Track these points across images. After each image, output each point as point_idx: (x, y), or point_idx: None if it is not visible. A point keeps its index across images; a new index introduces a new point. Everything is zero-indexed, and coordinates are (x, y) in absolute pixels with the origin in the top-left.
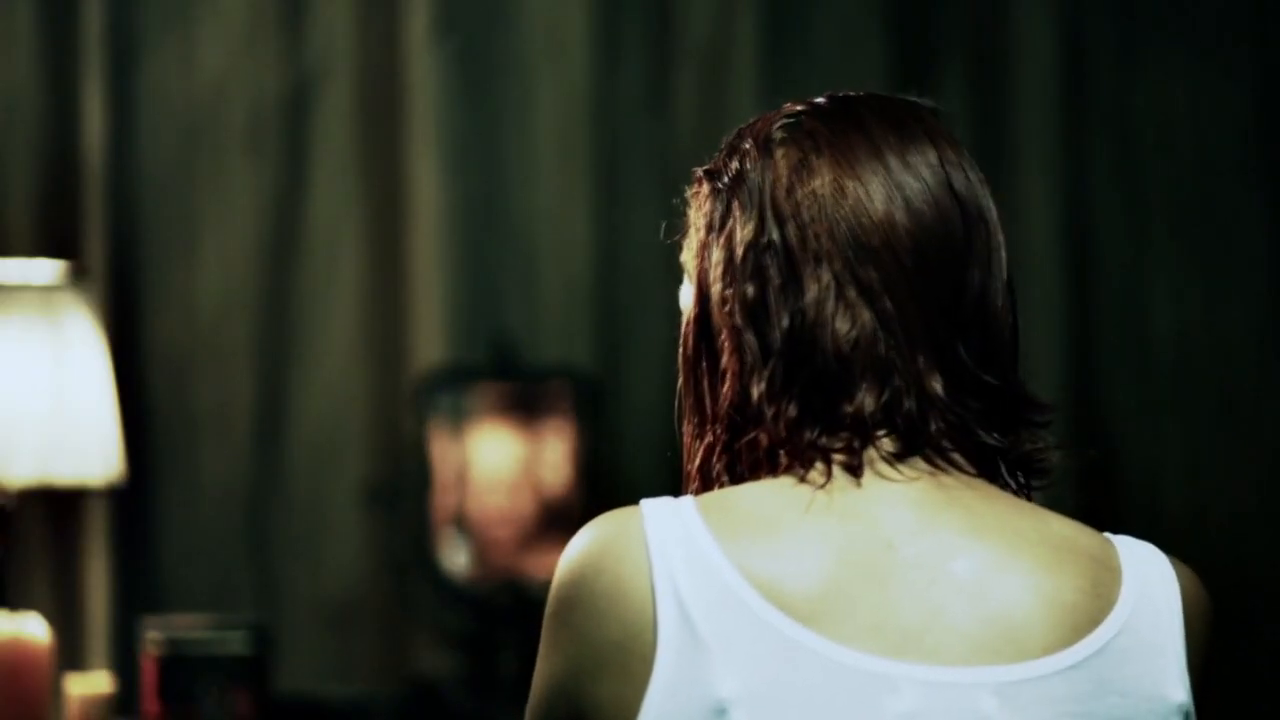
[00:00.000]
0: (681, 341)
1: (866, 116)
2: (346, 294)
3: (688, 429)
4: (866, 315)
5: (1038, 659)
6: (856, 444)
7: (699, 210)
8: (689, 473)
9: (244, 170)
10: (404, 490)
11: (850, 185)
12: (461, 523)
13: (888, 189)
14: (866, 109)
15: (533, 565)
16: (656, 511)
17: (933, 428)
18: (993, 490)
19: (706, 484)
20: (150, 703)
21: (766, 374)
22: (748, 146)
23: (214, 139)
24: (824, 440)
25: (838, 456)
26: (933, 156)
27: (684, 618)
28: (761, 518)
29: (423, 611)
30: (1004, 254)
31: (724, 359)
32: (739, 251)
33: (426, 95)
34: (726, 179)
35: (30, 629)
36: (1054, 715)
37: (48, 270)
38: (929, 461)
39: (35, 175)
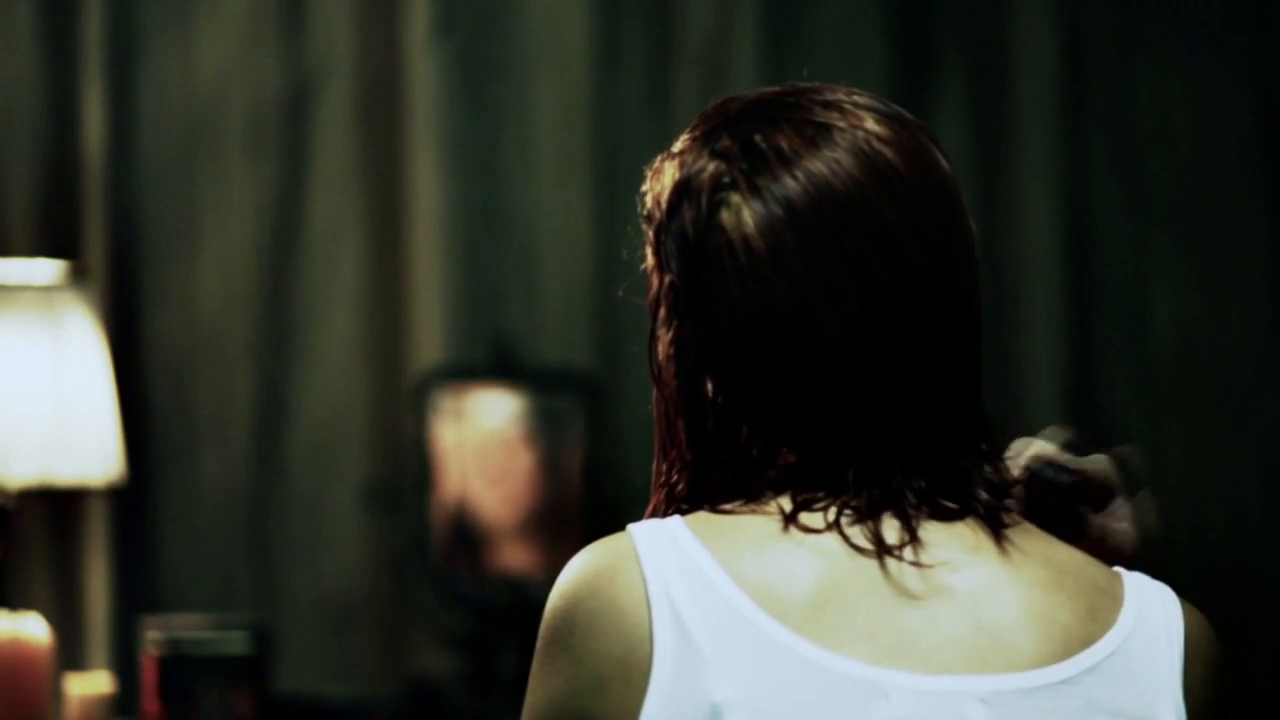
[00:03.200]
0: (667, 379)
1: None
2: (346, 294)
3: (666, 463)
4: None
5: (1026, 671)
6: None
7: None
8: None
9: (244, 170)
10: (404, 490)
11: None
12: (461, 523)
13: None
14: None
15: (533, 565)
16: (646, 531)
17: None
18: (999, 513)
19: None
20: (150, 703)
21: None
22: (690, 238)
23: (214, 139)
24: (824, 504)
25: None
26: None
27: (679, 626)
28: (754, 529)
29: (423, 611)
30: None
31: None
32: (699, 349)
33: (426, 96)
34: (675, 270)
35: (30, 629)
36: None
37: (48, 270)
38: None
39: (35, 175)
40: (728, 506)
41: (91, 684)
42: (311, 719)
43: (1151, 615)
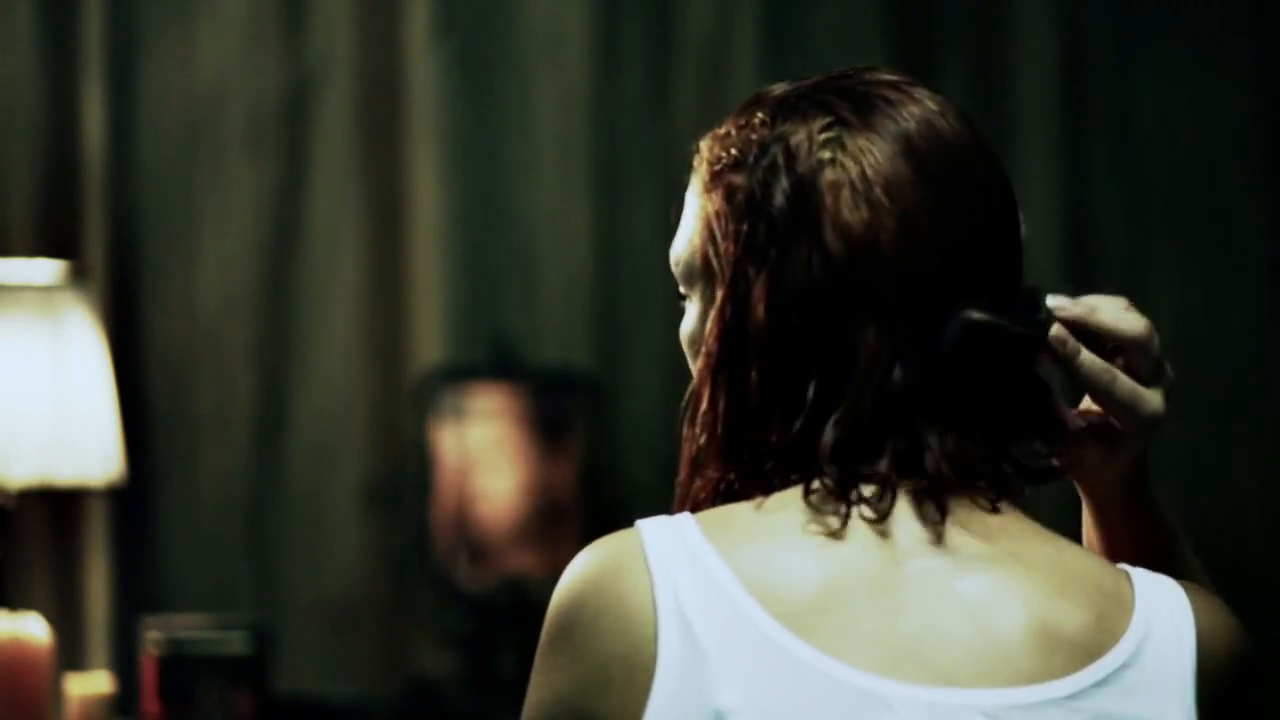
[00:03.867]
0: (706, 353)
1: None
2: (346, 294)
3: (697, 443)
4: (904, 365)
5: (1032, 685)
6: (886, 494)
7: (724, 213)
8: (688, 486)
9: (244, 170)
10: (404, 490)
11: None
12: (461, 523)
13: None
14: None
15: (533, 565)
16: (654, 528)
17: (956, 475)
18: (1010, 513)
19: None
20: (150, 703)
21: (803, 418)
22: (798, 171)
23: (214, 139)
24: (857, 490)
25: (866, 511)
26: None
27: (685, 627)
28: (764, 527)
29: (423, 611)
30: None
31: (754, 385)
32: (792, 287)
33: (426, 95)
34: (776, 203)
35: (30, 629)
36: None
37: (48, 270)
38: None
39: (35, 175)
40: (742, 503)
41: (91, 684)
42: (311, 719)
43: (1161, 621)
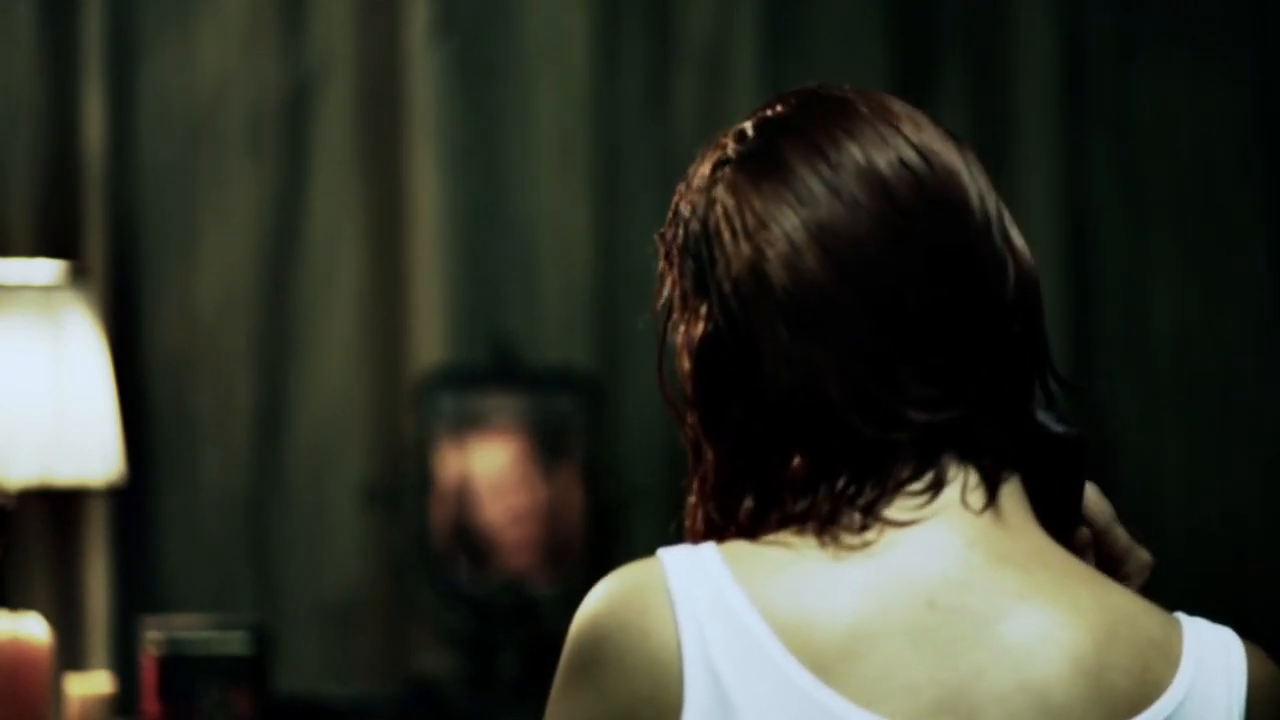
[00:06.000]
0: (695, 373)
1: (790, 146)
2: (346, 294)
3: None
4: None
5: None
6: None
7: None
8: (695, 527)
9: (244, 170)
10: (404, 491)
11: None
12: (461, 523)
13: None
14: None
15: (533, 566)
16: (677, 560)
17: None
18: (1043, 538)
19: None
20: (150, 703)
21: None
22: (694, 212)
23: (214, 139)
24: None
25: (893, 545)
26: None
27: (712, 674)
28: (791, 561)
29: (423, 612)
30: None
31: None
32: (701, 334)
33: (426, 95)
34: (680, 248)
35: (30, 629)
36: None
37: (48, 270)
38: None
39: (35, 175)
40: (767, 538)
41: (91, 684)
42: (311, 719)
43: (1212, 673)
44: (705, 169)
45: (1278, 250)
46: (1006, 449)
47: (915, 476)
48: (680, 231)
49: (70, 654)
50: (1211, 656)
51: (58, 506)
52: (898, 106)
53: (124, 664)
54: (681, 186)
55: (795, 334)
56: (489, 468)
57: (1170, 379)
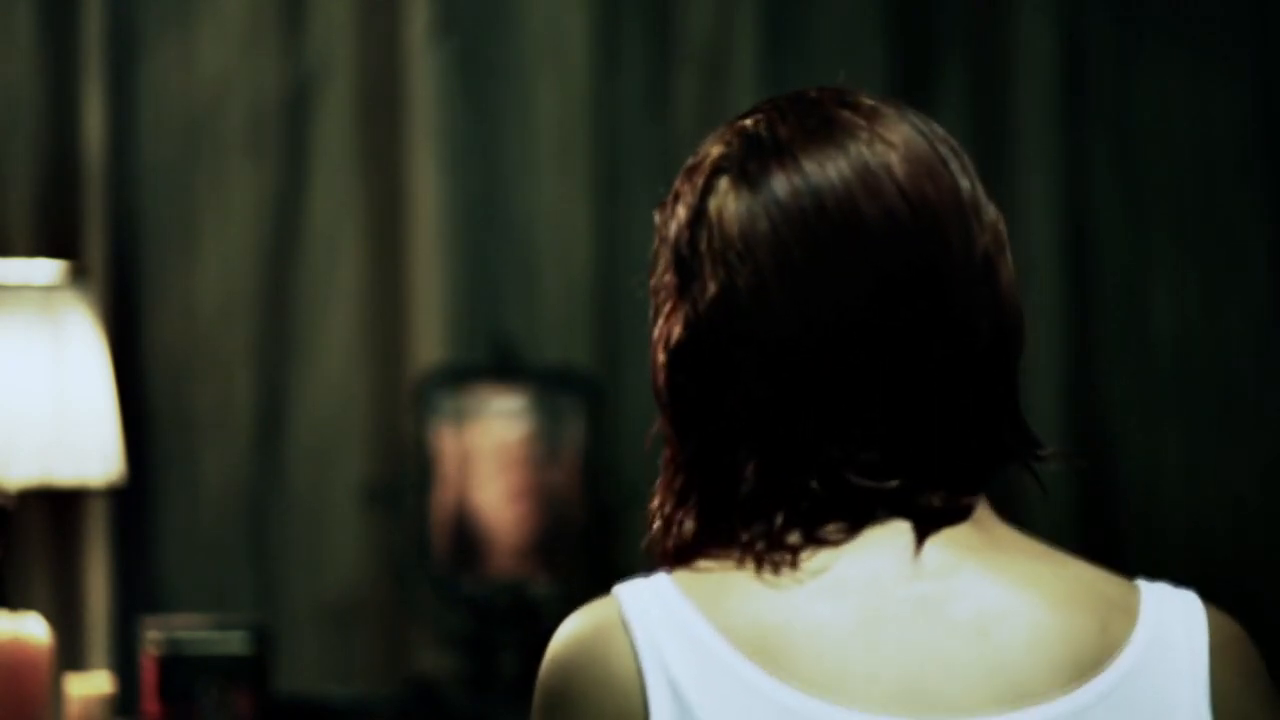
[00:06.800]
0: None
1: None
2: (346, 294)
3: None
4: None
5: (1038, 705)
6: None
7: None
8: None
9: (244, 170)
10: (404, 490)
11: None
12: (461, 523)
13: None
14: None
15: (533, 566)
16: (634, 594)
17: (932, 501)
18: (1004, 531)
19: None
20: (150, 703)
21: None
22: (680, 225)
23: (214, 139)
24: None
25: (839, 549)
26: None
27: (674, 693)
28: (739, 582)
29: (423, 612)
30: (981, 245)
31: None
32: (674, 343)
33: (426, 95)
34: (669, 257)
35: (30, 629)
36: None
37: (48, 270)
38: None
39: (35, 175)
40: (712, 559)
41: (91, 684)
42: (311, 719)
43: (1171, 628)
44: (705, 170)
45: (1278, 250)
46: (948, 513)
47: (848, 532)
48: (673, 227)
49: (70, 654)
50: (1171, 614)
51: (58, 506)
52: (900, 126)
53: (124, 664)
54: (685, 171)
55: (758, 374)
56: (488, 467)
57: (1170, 379)
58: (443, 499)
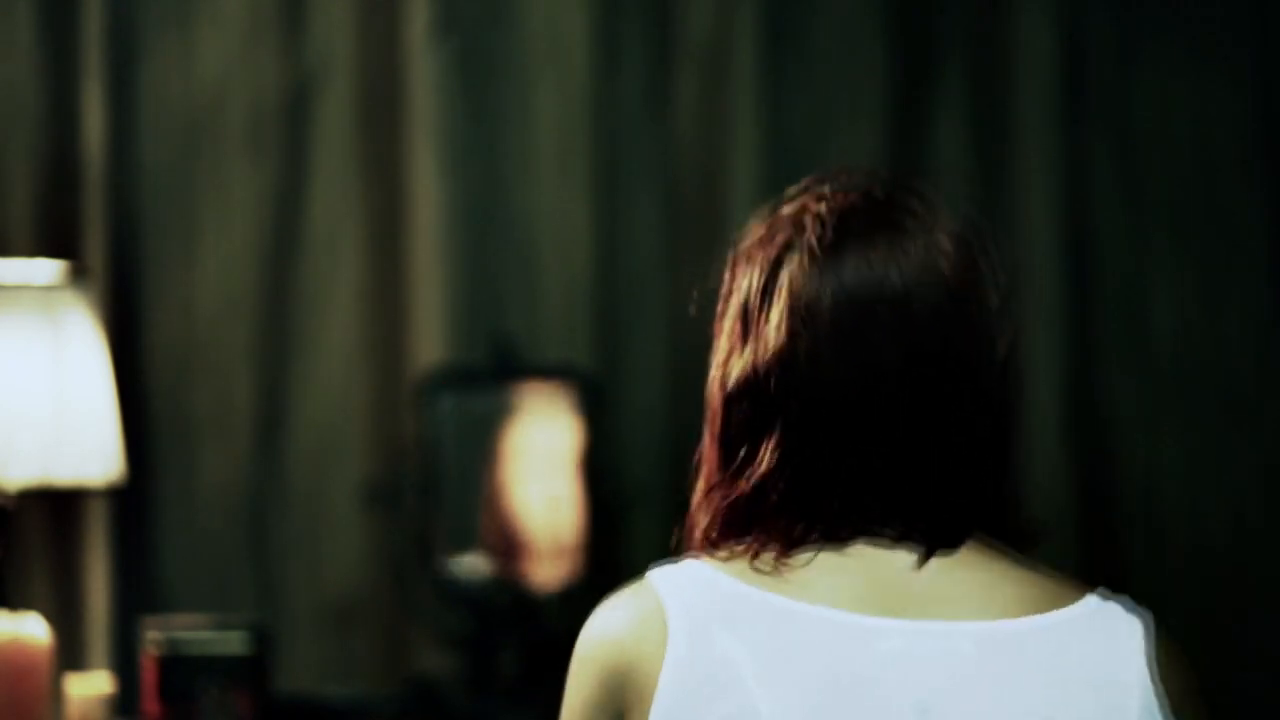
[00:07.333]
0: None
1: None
2: (346, 294)
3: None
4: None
5: (1011, 619)
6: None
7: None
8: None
9: (244, 170)
10: (404, 490)
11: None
12: (461, 523)
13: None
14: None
15: (533, 566)
16: (662, 569)
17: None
18: (988, 546)
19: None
20: (150, 703)
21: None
22: (754, 284)
23: (214, 139)
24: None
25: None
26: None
27: (691, 619)
28: (756, 562)
29: (423, 611)
30: (989, 336)
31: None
32: (733, 381)
33: (426, 95)
34: (738, 302)
35: (30, 629)
36: (1025, 663)
37: (48, 270)
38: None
39: (35, 175)
40: (729, 551)
41: (91, 684)
42: (311, 719)
43: (1116, 617)
44: (779, 243)
45: (1278, 250)
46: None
47: (850, 541)
48: (745, 278)
49: (70, 654)
50: (1118, 606)
51: (58, 506)
52: (951, 235)
53: (124, 664)
54: (768, 220)
55: (798, 420)
56: (488, 467)
57: (1170, 379)
58: (443, 499)
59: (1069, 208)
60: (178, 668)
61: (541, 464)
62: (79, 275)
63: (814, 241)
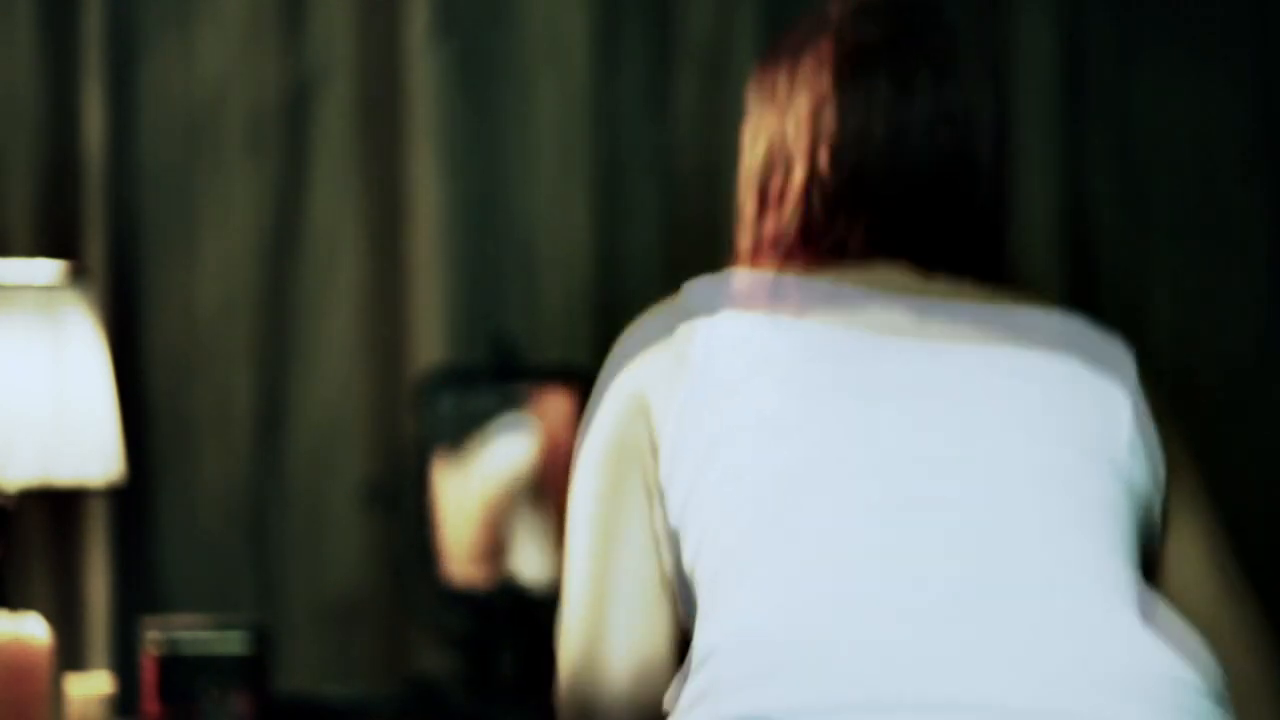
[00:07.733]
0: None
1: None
2: (346, 294)
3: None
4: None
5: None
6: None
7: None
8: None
9: (244, 170)
10: (404, 491)
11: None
12: (461, 523)
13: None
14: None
15: (533, 566)
16: (699, 284)
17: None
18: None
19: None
20: (150, 703)
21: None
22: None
23: (214, 139)
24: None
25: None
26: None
27: (712, 318)
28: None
29: (423, 611)
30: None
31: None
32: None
33: (426, 96)
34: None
35: (30, 629)
36: (1025, 337)
37: (48, 270)
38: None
39: (35, 175)
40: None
41: (91, 684)
42: (311, 719)
43: (1106, 342)
44: (818, 48)
45: (1278, 250)
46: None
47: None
48: (770, 76)
49: (70, 654)
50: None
51: (58, 506)
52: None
53: (124, 664)
54: (802, 32)
55: (829, 193)
56: (488, 467)
57: (1170, 379)
58: (443, 499)
59: (1069, 207)
60: (178, 668)
61: (541, 464)
62: (79, 275)
63: (834, 39)
